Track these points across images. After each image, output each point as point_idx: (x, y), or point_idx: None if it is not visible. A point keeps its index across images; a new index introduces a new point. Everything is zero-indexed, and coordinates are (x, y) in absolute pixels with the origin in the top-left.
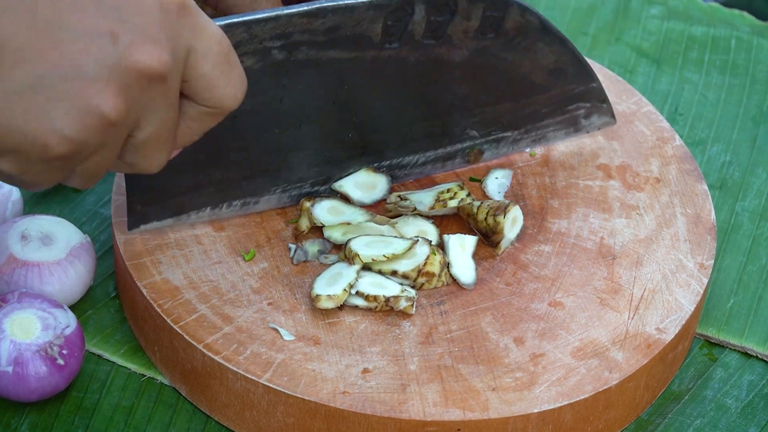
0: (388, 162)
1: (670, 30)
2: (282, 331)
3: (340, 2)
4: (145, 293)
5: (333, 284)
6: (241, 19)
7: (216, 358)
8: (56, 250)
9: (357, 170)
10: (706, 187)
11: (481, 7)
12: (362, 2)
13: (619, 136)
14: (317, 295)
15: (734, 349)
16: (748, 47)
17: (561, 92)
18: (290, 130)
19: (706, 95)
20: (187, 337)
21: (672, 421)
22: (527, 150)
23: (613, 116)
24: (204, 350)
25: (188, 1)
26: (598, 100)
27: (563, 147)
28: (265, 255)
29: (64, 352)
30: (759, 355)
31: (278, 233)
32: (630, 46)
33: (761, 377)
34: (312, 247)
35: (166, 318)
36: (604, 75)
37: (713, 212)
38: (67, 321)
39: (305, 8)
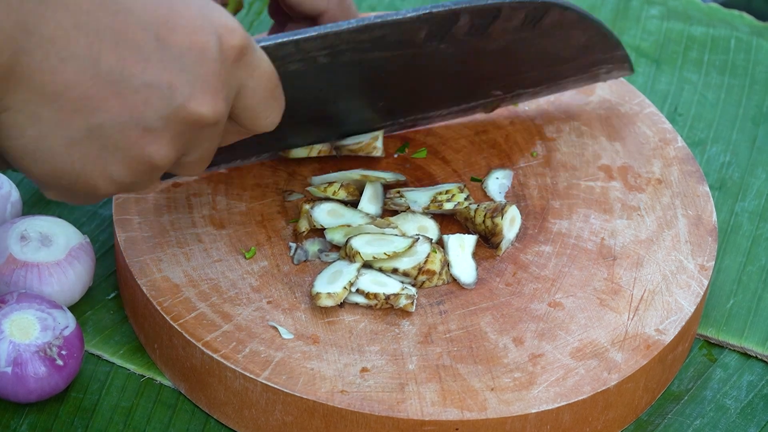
0: (412, 117)
1: (669, 30)
2: (281, 329)
3: (388, 18)
4: (145, 291)
5: (333, 282)
6: (290, 38)
7: (215, 356)
8: (55, 250)
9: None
10: (708, 189)
11: (524, 12)
12: (409, 17)
13: (621, 137)
14: (317, 293)
15: (734, 350)
16: (747, 48)
17: (588, 60)
18: (325, 106)
19: (706, 95)
20: (186, 335)
21: (671, 421)
22: (545, 96)
23: (631, 69)
24: (203, 348)
25: (248, 42)
26: (620, 61)
27: (565, 148)
28: (265, 254)
29: (63, 352)
30: (759, 356)
31: (279, 232)
32: (629, 46)
33: (761, 378)
34: (312, 246)
35: (165, 316)
36: None
37: (714, 214)
38: (66, 322)
39: (354, 24)
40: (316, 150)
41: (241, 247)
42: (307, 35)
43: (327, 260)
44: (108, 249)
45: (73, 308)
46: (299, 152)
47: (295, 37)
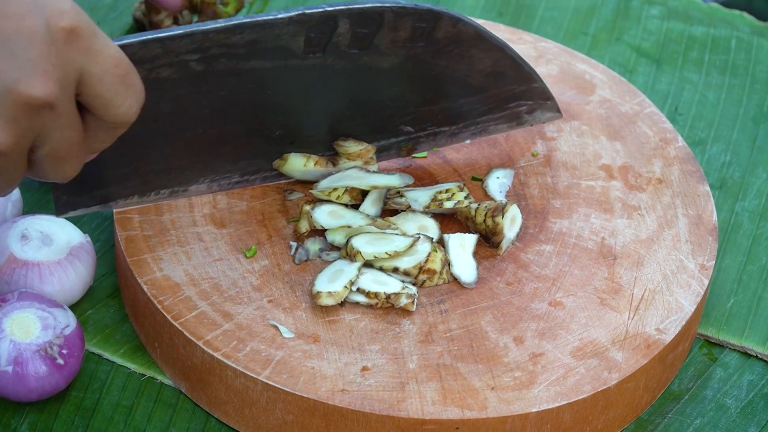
0: (320, 155)
1: (670, 30)
2: (282, 328)
3: (258, 18)
4: (145, 290)
5: (334, 281)
6: (154, 36)
7: (216, 354)
8: (56, 249)
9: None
10: (708, 188)
11: (409, 20)
12: (281, 18)
13: (622, 136)
14: (318, 292)
15: (734, 349)
16: (748, 47)
17: (500, 92)
18: (214, 129)
19: (706, 95)
20: (187, 334)
21: (672, 420)
22: (467, 141)
23: (558, 111)
24: (204, 347)
25: (80, 24)
26: (541, 98)
27: (566, 148)
28: (266, 252)
29: (64, 351)
30: (759, 355)
31: (280, 231)
32: (630, 46)
33: (761, 377)
34: (313, 245)
35: (166, 315)
36: (607, 75)
37: (715, 213)
38: (67, 321)
39: (221, 24)
40: (312, 161)
41: (242, 246)
42: (173, 33)
43: (328, 259)
44: (109, 248)
45: (74, 307)
46: (294, 165)
47: (160, 35)
